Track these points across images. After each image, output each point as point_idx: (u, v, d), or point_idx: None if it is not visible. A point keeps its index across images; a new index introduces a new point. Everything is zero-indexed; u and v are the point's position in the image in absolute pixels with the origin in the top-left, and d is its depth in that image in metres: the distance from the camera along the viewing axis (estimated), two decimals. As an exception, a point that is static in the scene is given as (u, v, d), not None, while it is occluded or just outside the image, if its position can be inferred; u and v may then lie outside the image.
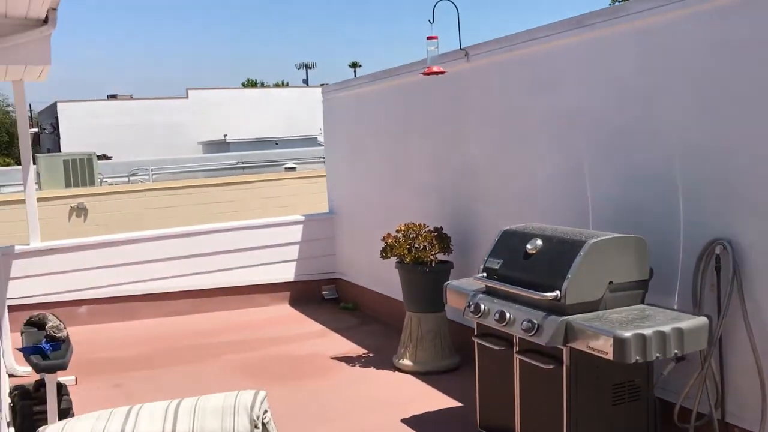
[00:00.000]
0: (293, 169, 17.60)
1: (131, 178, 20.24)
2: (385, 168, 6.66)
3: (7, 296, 6.37)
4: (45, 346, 4.14)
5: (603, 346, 3.16)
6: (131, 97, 44.02)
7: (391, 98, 6.48)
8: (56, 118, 40.23)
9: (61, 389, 4.61)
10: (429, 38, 5.20)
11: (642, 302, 3.59)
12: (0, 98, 43.18)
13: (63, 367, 4.14)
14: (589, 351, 3.25)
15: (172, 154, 29.57)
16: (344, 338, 6.32)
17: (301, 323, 6.88)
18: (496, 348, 3.83)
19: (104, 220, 11.90)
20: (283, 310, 7.34)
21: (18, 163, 31.68)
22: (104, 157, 35.50)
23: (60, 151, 34.60)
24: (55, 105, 40.76)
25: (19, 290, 6.45)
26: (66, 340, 4.43)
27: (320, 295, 7.69)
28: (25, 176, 6.56)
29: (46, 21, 5.15)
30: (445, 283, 4.36)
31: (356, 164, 7.22)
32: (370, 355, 5.83)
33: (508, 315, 3.63)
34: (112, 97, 44.06)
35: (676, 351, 3.18)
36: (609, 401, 3.50)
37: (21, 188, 17.36)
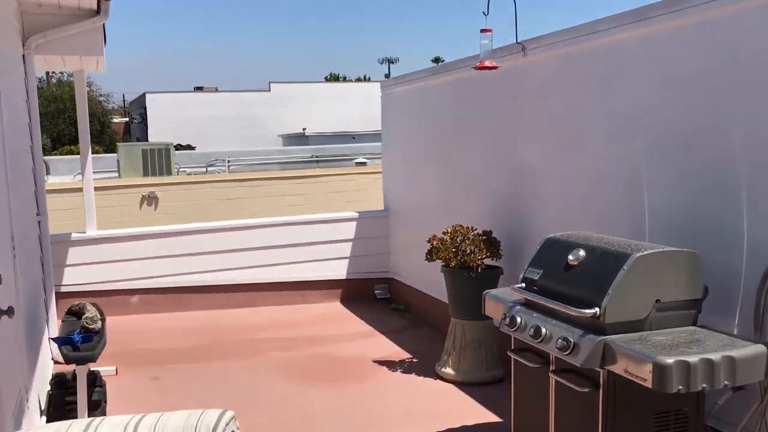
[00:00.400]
0: (364, 164, 17.54)
1: (208, 169, 20.68)
2: (439, 166, 6.42)
3: (63, 283, 6.51)
4: (76, 337, 4.13)
5: (642, 372, 2.85)
6: (216, 90, 45.16)
7: (446, 94, 6.24)
8: (144, 109, 41.69)
9: (95, 381, 4.62)
10: (482, 31, 4.92)
11: (694, 324, 3.24)
12: (95, 87, 44.94)
13: (92, 359, 4.12)
14: (627, 376, 2.94)
15: (253, 146, 30.16)
16: (390, 341, 6.14)
17: (350, 323, 6.74)
18: (532, 365, 3.56)
19: (174, 209, 12.12)
20: (334, 308, 7.22)
21: (107, 151, 32.90)
22: (188, 147, 36.57)
23: (147, 140, 35.84)
24: (144, 96, 42.24)
25: (74, 277, 6.57)
26: (99, 332, 4.42)
27: (372, 295, 7.53)
28: (84, 165, 6.67)
29: (98, 11, 5.18)
30: (484, 292, 4.11)
31: (411, 161, 7.01)
32: (414, 360, 5.62)
33: (543, 331, 3.36)
34: (199, 89, 45.31)
35: (726, 382, 2.84)
36: (651, 431, 3.18)
37: (104, 176, 17.93)
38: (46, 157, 20.19)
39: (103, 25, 5.38)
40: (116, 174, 16.94)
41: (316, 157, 21.71)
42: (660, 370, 2.77)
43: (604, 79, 4.38)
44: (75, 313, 4.74)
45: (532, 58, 5.03)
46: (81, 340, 4.13)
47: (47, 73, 46.58)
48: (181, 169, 18.96)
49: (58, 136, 40.08)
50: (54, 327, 5.54)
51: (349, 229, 7.42)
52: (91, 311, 4.62)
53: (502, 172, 5.50)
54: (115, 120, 50.18)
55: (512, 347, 3.79)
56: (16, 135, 4.33)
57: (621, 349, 2.98)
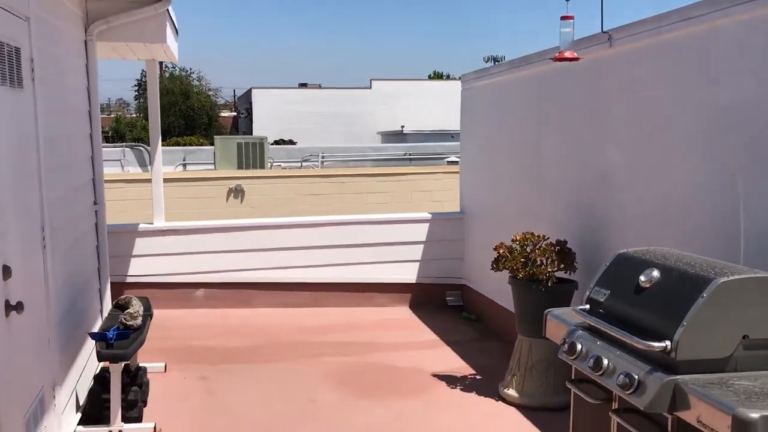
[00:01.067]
0: (455, 163, 17.08)
1: (303, 164, 20.81)
2: (516, 167, 5.93)
3: (129, 273, 6.47)
4: (110, 334, 3.97)
5: (719, 425, 2.33)
6: (320, 86, 45.76)
7: (525, 89, 5.74)
8: (250, 104, 42.78)
9: (136, 378, 4.46)
10: (563, 18, 4.41)
11: (791, 368, 2.67)
12: (204, 82, 46.56)
13: (124, 357, 3.95)
14: (699, 427, 2.43)
15: (352, 142, 30.26)
16: (455, 353, 5.71)
17: (415, 330, 6.36)
18: (592, 400, 3.06)
19: (259, 203, 12.11)
20: (401, 313, 6.86)
21: (212, 143, 33.90)
22: (290, 142, 37.19)
23: (252, 135, 36.70)
24: (250, 91, 43.35)
25: (140, 268, 6.53)
26: (139, 329, 4.26)
27: (444, 301, 7.11)
28: (154, 156, 6.62)
29: (159, -2, 5.04)
30: (546, 310, 3.63)
31: (488, 161, 6.54)
32: (477, 377, 5.18)
33: (605, 363, 2.87)
34: (303, 85, 46.05)
35: (827, 445, 2.28)
36: (730, 494, 2.63)
37: (202, 167, 18.34)
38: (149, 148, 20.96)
39: (168, 12, 5.25)
40: (213, 166, 17.27)
41: (410, 154, 21.43)
42: (741, 425, 2.24)
43: (699, 73, 3.80)
44: (121, 307, 4.61)
45: (618, 48, 4.48)
46: (115, 337, 3.97)
47: (161, 67, 48.67)
48: (275, 163, 19.14)
49: (169, 128, 41.71)
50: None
51: (421, 231, 7.04)
52: (134, 306, 4.47)
53: (581, 175, 4.97)
54: (224, 114, 51.86)
55: (572, 377, 3.31)
56: (63, 122, 4.22)
57: (694, 394, 2.46)
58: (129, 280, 6.44)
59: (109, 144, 25.12)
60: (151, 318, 4.67)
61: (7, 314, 2.87)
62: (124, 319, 4.20)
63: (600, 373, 2.88)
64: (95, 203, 5.15)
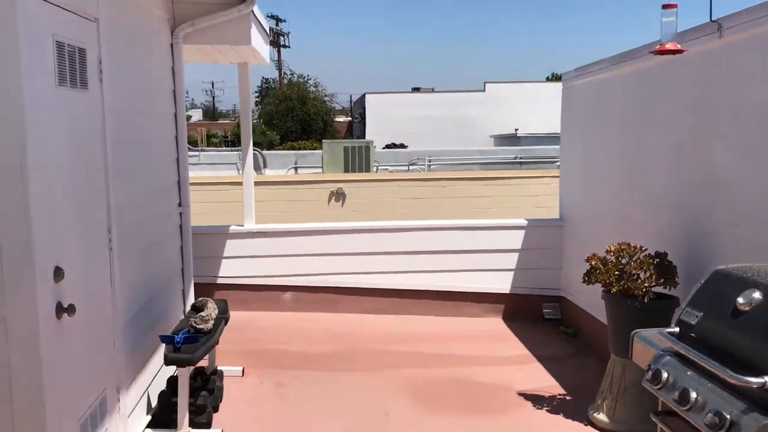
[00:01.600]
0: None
1: (410, 167, 20.71)
2: (618, 170, 5.48)
3: (219, 274, 6.52)
4: (177, 338, 3.93)
5: (826, 485, 1.92)
6: (432, 90, 45.67)
7: (626, 86, 5.29)
8: (364, 108, 43.32)
9: (207, 383, 4.42)
10: (665, 7, 3.98)
11: None
12: (320, 88, 47.59)
13: (191, 362, 3.89)
14: (803, 484, 2.02)
15: (465, 146, 29.94)
16: (546, 370, 5.34)
17: (506, 343, 6.02)
18: (679, 438, 2.67)
19: (360, 206, 12.09)
20: (493, 325, 6.53)
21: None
22: (401, 146, 37.34)
23: (365, 138, 37.15)
24: (364, 96, 43.91)
25: (230, 270, 6.56)
26: (209, 333, 4.21)
27: (540, 314, 6.71)
28: (244, 159, 6.65)
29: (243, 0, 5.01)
30: (633, 332, 3.24)
31: (589, 164, 6.10)
32: (567, 398, 4.79)
33: (693, 396, 2.48)
34: (416, 89, 46.12)
35: None
36: None
37: (317, 170, 18.64)
38: (265, 152, 21.55)
39: (253, 14, 5.21)
40: (321, 169, 17.52)
41: (520, 158, 20.87)
42: None
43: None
44: (197, 309, 4.60)
45: (729, 39, 3.99)
46: (182, 341, 3.92)
47: (279, 74, 50.28)
48: (381, 167, 19.15)
49: (287, 133, 42.98)
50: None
51: (517, 239, 6.67)
52: (208, 309, 4.43)
53: (687, 178, 4.48)
54: (339, 119, 52.90)
55: (659, 408, 2.92)
56: (140, 125, 4.24)
57: (797, 442, 2.06)
58: (219, 281, 6.49)
59: (226, 148, 26.15)
60: (226, 322, 4.62)
61: (59, 316, 2.85)
62: (195, 322, 4.16)
63: (687, 408, 2.49)
64: (180, 205, 5.18)
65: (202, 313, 4.28)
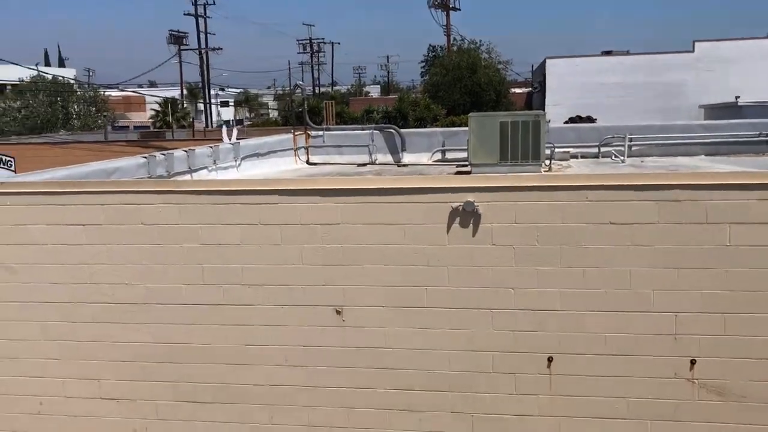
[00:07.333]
0: None
1: (602, 149, 14.95)
2: None
3: None
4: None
5: None
6: (627, 53, 38.76)
7: None
8: (544, 76, 37.56)
9: None
10: None
11: None
12: (494, 55, 42.14)
13: None
14: None
15: (667, 119, 23.65)
16: None
17: None
18: None
19: (511, 238, 6.83)
20: None
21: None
22: (587, 119, 31.23)
23: (543, 111, 31.61)
24: (544, 62, 38.08)
25: None
26: None
27: None
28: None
29: None
30: None
31: None
32: None
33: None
34: (607, 53, 39.42)
35: None
36: None
37: (456, 155, 13.39)
38: (404, 131, 16.42)
39: None
40: (466, 154, 12.29)
41: (765, 134, 14.39)
42: None
43: None
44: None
45: None
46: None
47: (448, 41, 45.41)
48: (558, 149, 13.63)
49: (454, 106, 38.07)
50: None
51: None
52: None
53: None
54: (516, 91, 47.25)
55: None
56: None
57: None
58: None
59: (357, 126, 21.55)
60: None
61: None
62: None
63: None
64: None
65: None
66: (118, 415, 5.36)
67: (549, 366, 4.92)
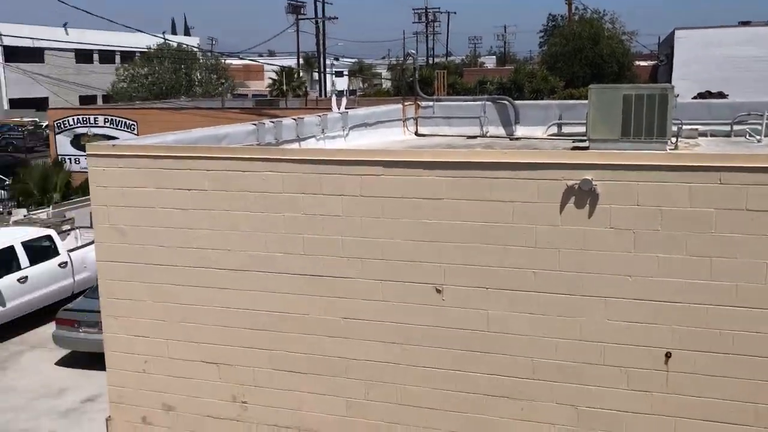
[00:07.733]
0: None
1: (735, 127, 13.82)
2: None
3: None
4: None
5: None
6: (767, 24, 35.81)
7: None
8: (672, 49, 35.36)
9: None
10: None
11: None
12: (617, 25, 40.09)
13: None
14: None
15: (809, 95, 21.63)
16: None
17: None
18: None
19: (632, 222, 6.31)
20: None
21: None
22: (718, 95, 29.16)
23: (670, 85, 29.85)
24: (672, 33, 35.84)
25: None
26: None
27: None
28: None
29: None
30: None
31: None
32: None
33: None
34: (744, 23, 36.62)
35: None
36: None
37: (576, 129, 12.70)
38: (519, 102, 15.84)
39: None
40: (584, 129, 11.69)
41: None
42: None
43: None
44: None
45: None
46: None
47: (569, 9, 43.55)
48: (686, 127, 12.70)
49: (573, 78, 36.58)
50: None
51: None
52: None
53: None
54: (641, 63, 44.88)
55: None
56: None
57: None
58: None
59: (458, 97, 21.03)
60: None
61: None
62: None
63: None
64: None
65: None
66: (218, 379, 5.41)
67: (666, 362, 4.51)
